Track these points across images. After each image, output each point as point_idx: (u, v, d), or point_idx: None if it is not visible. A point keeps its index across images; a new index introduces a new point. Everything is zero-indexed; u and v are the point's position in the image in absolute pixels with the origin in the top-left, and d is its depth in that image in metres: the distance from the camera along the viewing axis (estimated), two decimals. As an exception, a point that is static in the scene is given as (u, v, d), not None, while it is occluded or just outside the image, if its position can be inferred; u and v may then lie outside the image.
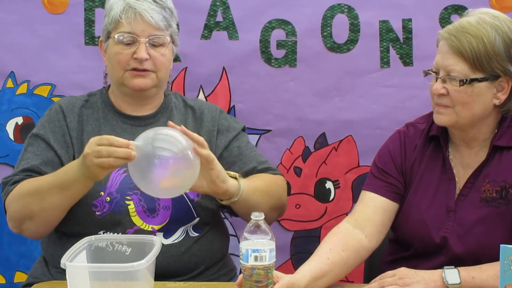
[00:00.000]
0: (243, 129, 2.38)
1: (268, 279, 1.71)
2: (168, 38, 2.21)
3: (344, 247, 2.00)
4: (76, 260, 1.79)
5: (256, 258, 1.69)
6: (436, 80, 1.98)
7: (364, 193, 2.11)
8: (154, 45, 2.18)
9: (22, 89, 2.75)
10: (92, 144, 1.93)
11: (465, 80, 1.93)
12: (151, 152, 1.88)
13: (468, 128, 2.01)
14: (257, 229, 1.70)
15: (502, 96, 1.97)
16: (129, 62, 2.17)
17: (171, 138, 1.92)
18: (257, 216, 1.71)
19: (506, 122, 2.03)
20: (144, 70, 2.18)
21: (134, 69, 2.18)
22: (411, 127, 2.15)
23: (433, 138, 2.09)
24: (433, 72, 2.00)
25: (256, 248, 1.69)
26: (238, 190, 2.09)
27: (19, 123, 2.77)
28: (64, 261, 1.73)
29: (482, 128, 2.02)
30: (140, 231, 2.12)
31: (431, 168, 2.07)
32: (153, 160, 1.88)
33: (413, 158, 2.09)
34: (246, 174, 2.24)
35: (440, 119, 2.00)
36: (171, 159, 1.90)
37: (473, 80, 1.93)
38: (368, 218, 2.06)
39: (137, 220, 2.13)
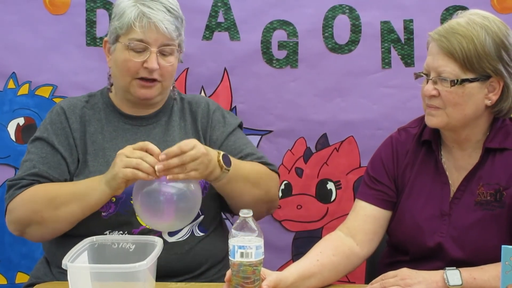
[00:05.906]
0: (240, 125, 2.37)
1: (256, 276, 1.72)
2: (177, 47, 2.20)
3: (335, 251, 2.01)
4: (78, 261, 1.79)
5: (242, 255, 1.70)
6: (427, 82, 1.98)
7: (356, 201, 2.12)
8: (163, 54, 2.17)
9: (24, 90, 2.75)
10: (128, 147, 1.99)
11: (456, 81, 1.92)
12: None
13: (460, 129, 2.00)
14: (244, 225, 1.71)
15: (494, 97, 1.97)
16: (138, 71, 2.16)
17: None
18: (245, 213, 1.72)
19: (497, 124, 2.02)
20: (153, 80, 2.18)
21: (142, 78, 2.17)
22: (403, 132, 2.14)
23: (426, 142, 2.08)
24: (424, 74, 1.99)
25: (242, 244, 1.70)
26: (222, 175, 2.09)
27: (21, 124, 2.77)
28: (66, 262, 1.73)
29: (474, 129, 2.01)
30: (146, 231, 2.12)
31: (423, 172, 2.07)
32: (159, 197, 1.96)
33: (405, 164, 2.09)
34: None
35: (432, 120, 1.99)
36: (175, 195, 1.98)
37: (464, 81, 1.93)
38: (359, 226, 2.07)
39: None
